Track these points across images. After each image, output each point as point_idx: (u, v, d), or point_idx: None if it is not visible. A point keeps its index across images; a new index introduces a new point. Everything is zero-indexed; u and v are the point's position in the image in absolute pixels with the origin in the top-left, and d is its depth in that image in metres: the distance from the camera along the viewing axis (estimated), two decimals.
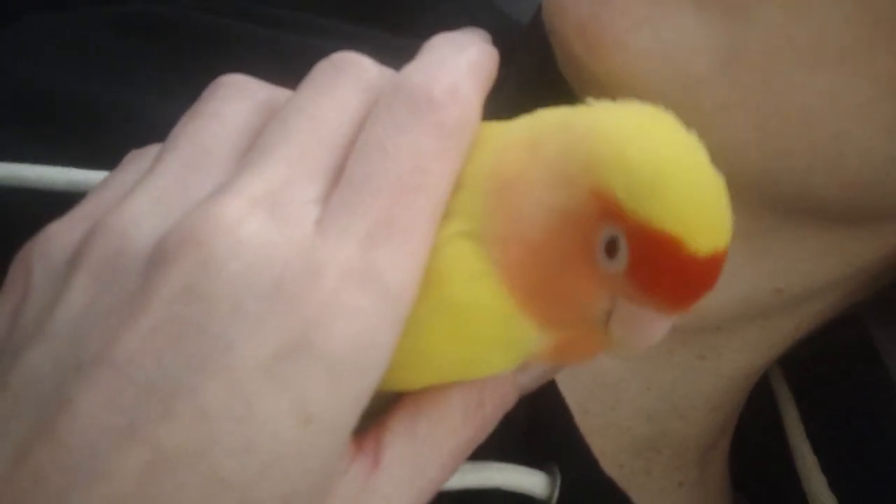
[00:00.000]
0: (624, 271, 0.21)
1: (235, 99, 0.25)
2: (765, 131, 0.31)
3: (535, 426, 0.27)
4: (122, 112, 0.38)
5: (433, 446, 0.24)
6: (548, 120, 0.24)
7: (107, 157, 0.34)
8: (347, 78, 0.24)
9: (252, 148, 0.23)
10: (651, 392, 0.37)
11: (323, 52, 0.42)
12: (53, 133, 0.37)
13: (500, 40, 0.48)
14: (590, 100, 0.24)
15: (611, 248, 0.22)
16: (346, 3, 0.48)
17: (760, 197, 0.32)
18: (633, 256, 0.21)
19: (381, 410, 0.24)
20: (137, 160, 0.26)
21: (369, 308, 0.22)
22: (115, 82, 0.40)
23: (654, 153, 0.22)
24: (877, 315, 0.40)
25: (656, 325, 0.22)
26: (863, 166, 0.31)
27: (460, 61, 0.24)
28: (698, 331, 0.36)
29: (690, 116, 0.30)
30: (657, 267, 0.21)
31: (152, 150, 0.25)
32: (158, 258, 0.22)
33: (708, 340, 0.36)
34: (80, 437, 0.21)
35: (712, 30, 0.30)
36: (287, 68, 0.41)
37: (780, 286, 0.35)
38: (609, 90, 0.31)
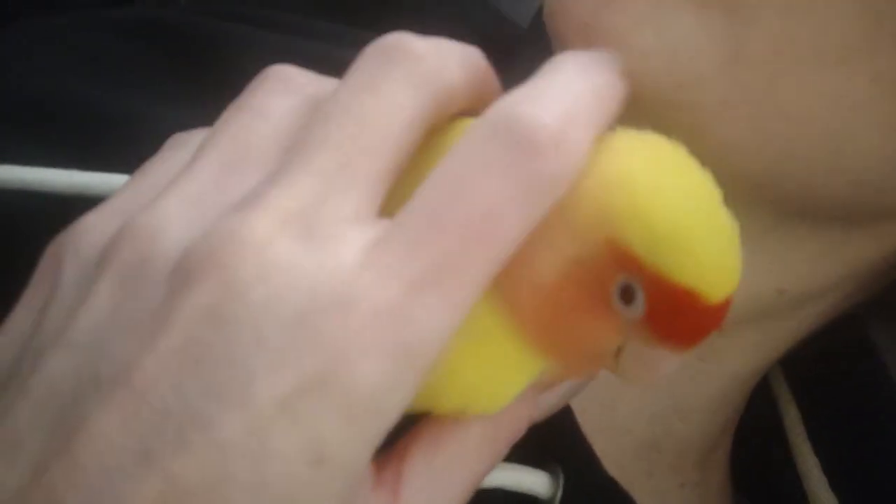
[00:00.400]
0: (640, 318, 0.22)
1: (283, 93, 0.24)
2: (766, 131, 0.31)
3: (538, 426, 0.27)
4: (123, 115, 0.38)
5: (450, 481, 0.23)
6: None
7: (108, 160, 0.34)
8: (399, 70, 0.22)
9: (289, 150, 0.22)
10: (651, 393, 0.37)
11: (326, 56, 0.42)
12: (54, 136, 0.37)
13: (498, 43, 0.48)
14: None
15: (626, 296, 0.22)
16: (346, 8, 0.48)
17: (762, 197, 0.32)
18: (651, 306, 0.22)
19: (401, 429, 0.23)
20: (180, 147, 0.24)
21: (396, 353, 0.20)
22: (115, 86, 0.40)
23: (671, 206, 0.22)
24: (877, 315, 0.40)
25: (668, 362, 0.23)
26: (864, 166, 0.31)
27: (580, 95, 0.21)
28: None
29: (692, 116, 0.30)
30: (674, 315, 0.22)
31: (197, 135, 0.24)
32: (182, 274, 0.21)
33: (709, 342, 0.36)
34: (95, 460, 0.20)
35: (713, 29, 0.30)
36: None
37: (782, 287, 0.35)
38: None
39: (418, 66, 0.22)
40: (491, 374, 0.23)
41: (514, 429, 0.25)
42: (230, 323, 0.20)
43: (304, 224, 0.21)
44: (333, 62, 0.42)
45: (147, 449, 0.20)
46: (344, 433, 0.20)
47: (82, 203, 0.33)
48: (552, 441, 0.32)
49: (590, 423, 0.35)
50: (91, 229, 0.23)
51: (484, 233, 0.20)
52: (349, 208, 0.21)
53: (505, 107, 0.21)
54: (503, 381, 0.24)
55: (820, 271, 0.35)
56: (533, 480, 0.31)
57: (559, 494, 0.31)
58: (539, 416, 0.27)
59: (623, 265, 0.22)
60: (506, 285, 0.22)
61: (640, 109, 0.31)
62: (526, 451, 0.30)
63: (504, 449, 0.25)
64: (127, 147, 0.35)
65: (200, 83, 0.40)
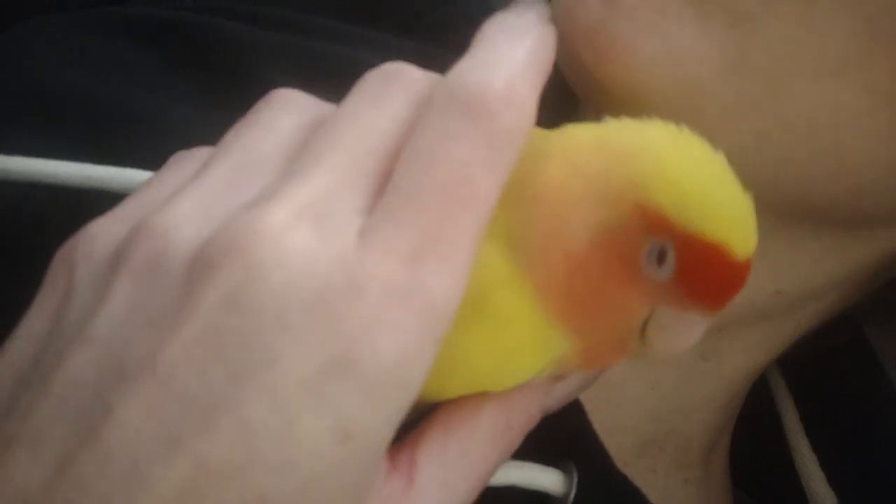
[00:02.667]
0: (671, 279, 0.23)
1: (289, 112, 0.25)
2: (766, 138, 0.31)
3: (550, 424, 0.27)
4: (131, 112, 0.38)
5: (464, 468, 0.24)
6: (580, 137, 0.24)
7: (117, 155, 0.34)
8: (397, 88, 0.24)
9: (299, 156, 0.23)
10: (655, 392, 0.37)
11: (330, 56, 0.43)
12: (64, 131, 0.37)
13: None
14: (607, 117, 0.25)
15: (659, 259, 0.23)
16: (348, 6, 0.49)
17: (762, 202, 0.32)
18: (682, 264, 0.23)
19: (411, 421, 0.24)
20: (183, 162, 0.25)
21: (412, 324, 0.21)
22: (124, 83, 0.40)
23: (696, 170, 0.23)
24: (873, 315, 0.40)
25: (696, 328, 0.24)
26: (862, 173, 0.32)
27: (517, 56, 0.23)
28: None
29: (694, 122, 0.31)
30: (705, 272, 0.23)
31: (199, 152, 0.25)
32: (201, 264, 0.21)
33: (710, 342, 0.37)
34: (122, 447, 0.21)
35: (716, 37, 0.30)
36: (294, 71, 0.41)
37: (781, 288, 0.36)
38: (614, 96, 0.32)
39: (413, 82, 0.24)
40: (504, 354, 0.24)
41: (527, 417, 0.26)
42: (252, 307, 0.21)
43: (317, 215, 0.22)
44: (336, 60, 0.43)
45: (174, 434, 0.20)
46: (368, 409, 0.21)
47: (92, 196, 0.33)
48: (565, 439, 0.32)
49: (596, 421, 0.35)
50: (102, 233, 0.23)
51: (463, 194, 0.22)
52: (358, 201, 0.22)
53: (454, 80, 0.23)
54: (517, 361, 0.24)
55: (818, 273, 0.36)
56: (547, 478, 0.31)
57: (573, 492, 0.31)
58: (551, 408, 0.27)
59: (652, 228, 0.23)
60: (532, 261, 0.23)
61: (644, 115, 0.32)
62: (539, 449, 0.30)
63: (518, 438, 0.25)
64: (135, 143, 0.35)
65: (207, 82, 0.40)
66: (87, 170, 0.34)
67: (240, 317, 0.21)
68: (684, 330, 0.24)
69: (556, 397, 0.27)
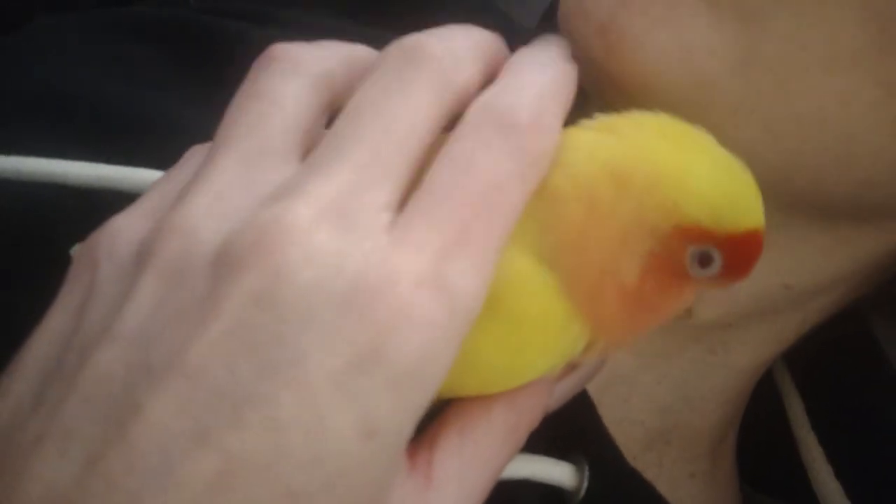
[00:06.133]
0: (718, 272, 0.25)
1: (291, 76, 0.24)
2: (777, 132, 0.31)
3: (559, 418, 0.28)
4: (140, 113, 0.38)
5: (478, 467, 0.24)
6: (588, 167, 0.25)
7: (126, 156, 0.34)
8: (422, 72, 0.24)
9: (322, 146, 0.23)
10: (663, 386, 0.38)
11: None
12: (74, 131, 0.37)
13: (504, 44, 0.49)
14: (598, 115, 0.26)
15: (703, 261, 0.25)
16: (352, 6, 0.49)
17: (771, 195, 0.32)
18: (727, 258, 0.25)
19: (422, 419, 0.24)
20: (200, 156, 0.25)
21: (438, 321, 0.21)
22: (132, 84, 0.40)
23: (715, 177, 0.25)
24: (880, 309, 0.40)
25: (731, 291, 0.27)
26: (872, 166, 0.32)
27: (544, 86, 0.24)
28: (709, 327, 0.37)
29: (705, 116, 0.31)
30: (746, 256, 0.26)
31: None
32: (228, 262, 0.21)
33: (718, 336, 0.37)
34: (151, 443, 0.21)
35: (727, 32, 0.31)
36: None
37: (789, 282, 0.36)
38: (624, 90, 0.32)
39: (437, 67, 0.24)
40: (520, 352, 0.25)
41: (533, 417, 0.26)
42: (281, 305, 0.21)
43: (343, 212, 0.22)
44: None
45: (203, 430, 0.21)
46: (392, 405, 0.21)
47: (103, 195, 0.33)
48: (576, 434, 0.33)
49: (605, 415, 0.35)
50: (123, 230, 0.24)
51: (494, 200, 0.23)
52: (383, 197, 0.22)
53: (489, 99, 0.24)
54: (532, 360, 0.25)
55: (826, 267, 0.36)
56: (559, 472, 0.31)
57: (584, 486, 0.31)
58: (553, 406, 0.28)
59: (694, 239, 0.25)
60: (582, 296, 0.24)
61: (655, 108, 0.32)
62: (551, 443, 0.31)
63: (524, 437, 0.26)
64: (144, 143, 0.35)
65: (215, 81, 0.40)
66: (99, 169, 0.34)
67: (268, 314, 0.21)
68: (724, 296, 0.27)
69: (558, 396, 0.28)
